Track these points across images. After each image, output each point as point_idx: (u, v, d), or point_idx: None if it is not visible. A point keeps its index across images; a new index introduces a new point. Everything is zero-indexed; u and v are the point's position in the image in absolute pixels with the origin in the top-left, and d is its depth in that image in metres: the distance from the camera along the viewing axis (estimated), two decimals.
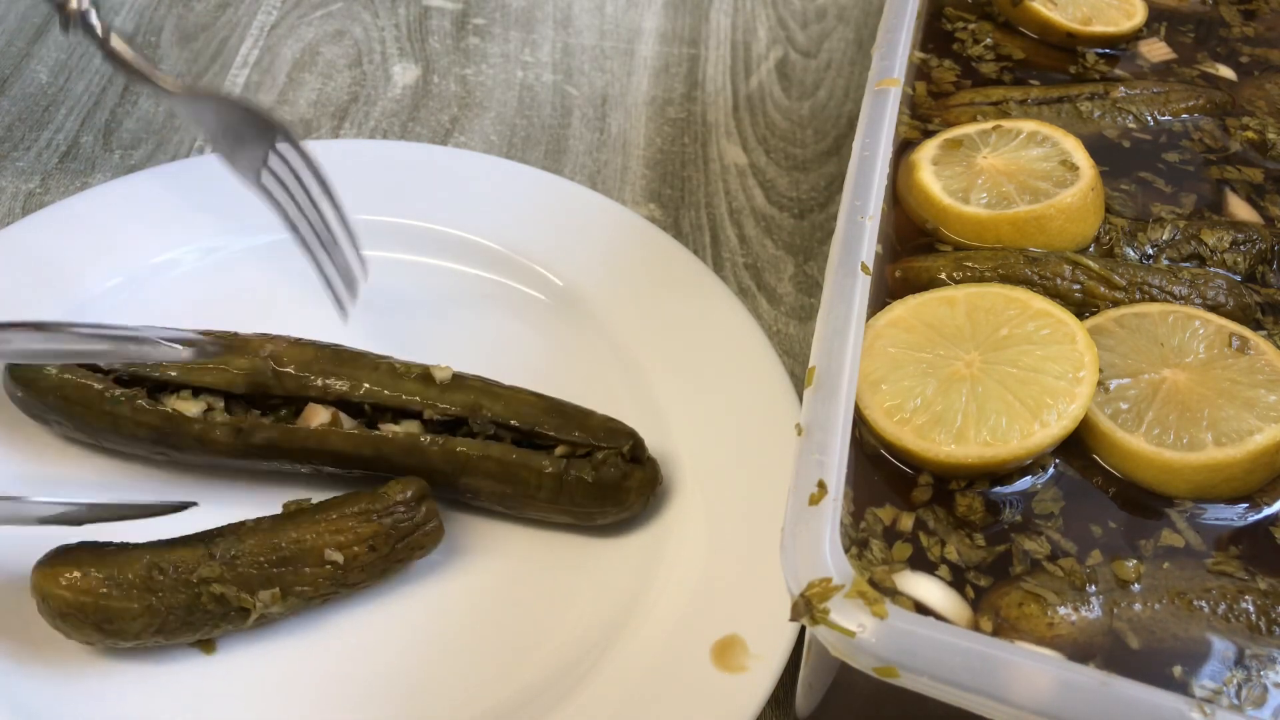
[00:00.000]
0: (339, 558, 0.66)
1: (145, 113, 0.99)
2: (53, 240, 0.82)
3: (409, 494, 0.68)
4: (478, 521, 0.74)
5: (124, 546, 0.66)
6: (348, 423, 0.72)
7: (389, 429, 0.72)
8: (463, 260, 0.86)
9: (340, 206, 0.77)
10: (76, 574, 0.63)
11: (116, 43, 0.78)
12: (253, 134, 0.76)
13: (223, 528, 0.67)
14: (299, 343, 0.74)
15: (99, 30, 0.78)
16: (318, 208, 0.77)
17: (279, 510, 0.69)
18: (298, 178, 0.77)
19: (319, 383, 0.72)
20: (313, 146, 0.91)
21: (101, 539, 0.66)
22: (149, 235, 0.84)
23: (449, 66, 1.06)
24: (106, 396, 0.71)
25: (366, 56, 1.06)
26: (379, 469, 0.72)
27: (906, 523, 0.55)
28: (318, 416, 0.71)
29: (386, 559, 0.68)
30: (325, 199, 0.77)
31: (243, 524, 0.67)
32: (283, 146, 0.76)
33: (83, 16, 0.78)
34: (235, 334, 0.75)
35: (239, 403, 0.73)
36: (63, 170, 0.94)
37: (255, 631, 0.68)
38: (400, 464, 0.71)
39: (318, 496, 0.72)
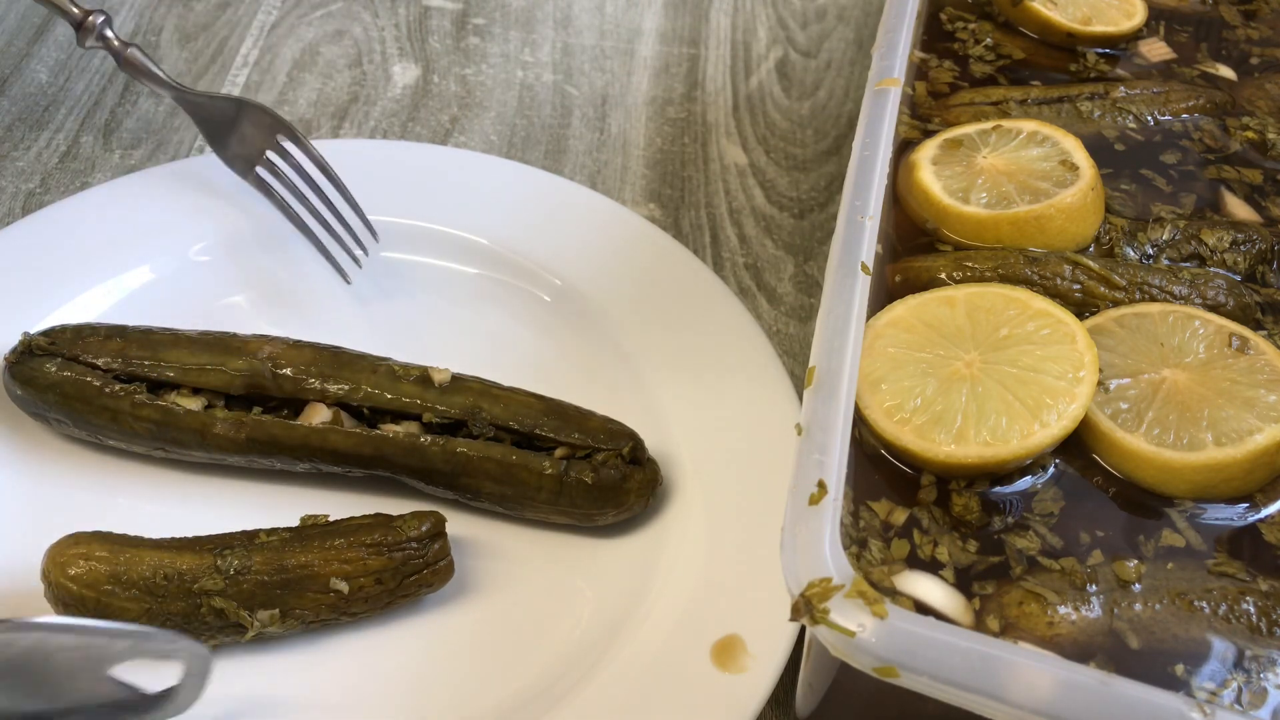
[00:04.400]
0: (344, 587, 0.66)
1: (145, 113, 0.99)
2: (53, 240, 0.82)
3: (424, 529, 0.67)
4: (478, 521, 0.74)
5: (137, 542, 0.66)
6: (348, 421, 0.72)
7: (389, 428, 0.72)
8: (463, 260, 0.86)
9: (344, 187, 0.83)
10: (84, 566, 0.63)
11: (134, 53, 0.86)
12: (256, 133, 0.84)
13: (237, 536, 0.67)
14: (298, 344, 0.74)
15: (115, 42, 0.86)
16: (320, 189, 0.83)
17: (284, 516, 0.69)
18: (300, 166, 0.83)
19: (317, 385, 0.72)
20: (312, 146, 0.92)
21: (118, 529, 0.66)
22: (148, 236, 0.84)
23: (449, 66, 1.06)
24: (105, 392, 0.71)
25: (366, 56, 1.06)
26: (379, 468, 0.72)
27: (900, 517, 0.55)
28: (319, 414, 0.71)
29: (392, 593, 0.67)
30: (328, 180, 0.83)
31: (256, 535, 0.67)
32: (286, 142, 0.84)
33: (99, 30, 0.86)
34: (234, 335, 0.75)
35: (237, 404, 0.73)
36: (63, 170, 0.94)
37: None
38: (400, 464, 0.71)
39: (325, 502, 0.72)
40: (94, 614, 0.63)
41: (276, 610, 0.65)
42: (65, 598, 0.63)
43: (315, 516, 0.69)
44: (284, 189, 0.84)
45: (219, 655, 0.66)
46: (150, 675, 0.59)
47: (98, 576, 0.63)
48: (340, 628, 0.69)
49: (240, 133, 0.85)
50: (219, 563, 0.65)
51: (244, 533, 0.67)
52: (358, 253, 0.83)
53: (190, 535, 0.67)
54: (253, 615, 0.65)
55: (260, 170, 0.84)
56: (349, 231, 0.83)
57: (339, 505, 0.73)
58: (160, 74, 0.86)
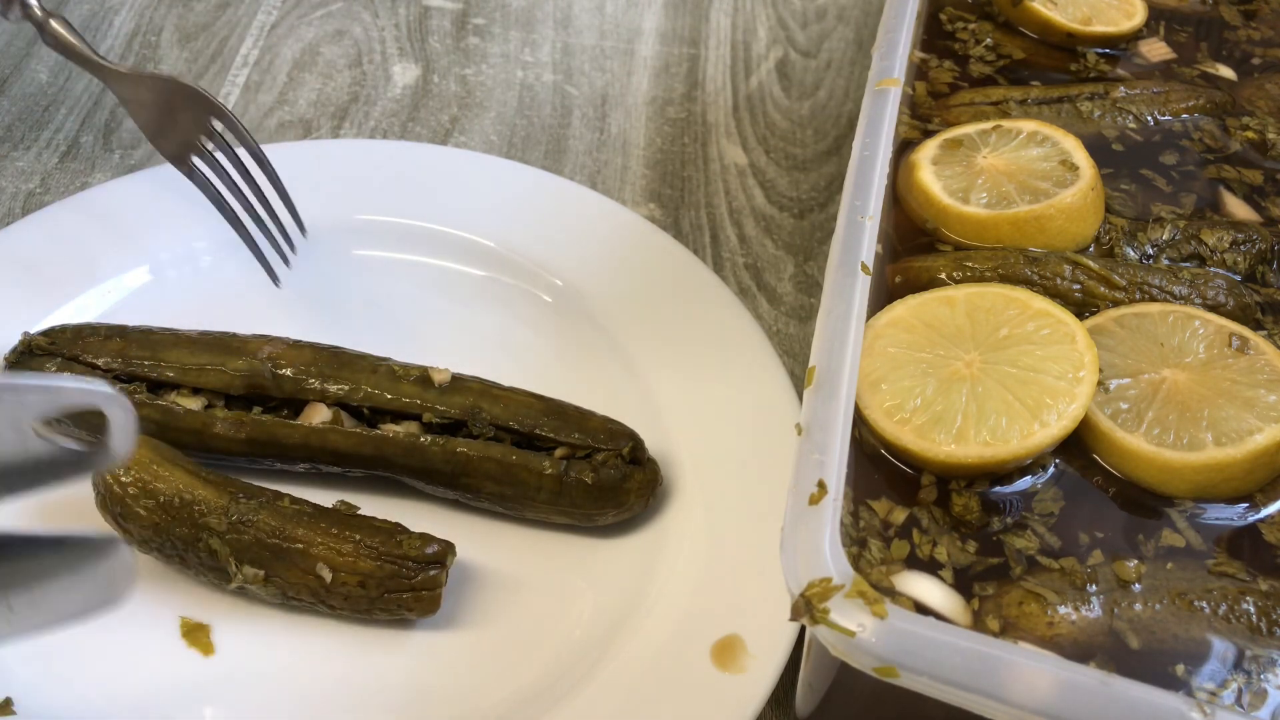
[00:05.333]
0: (327, 576, 0.65)
1: None
2: (53, 240, 0.82)
3: (426, 552, 0.66)
4: (478, 521, 0.74)
5: (177, 460, 0.68)
6: (349, 421, 0.72)
7: (389, 428, 0.72)
8: (463, 260, 0.86)
9: (274, 173, 0.81)
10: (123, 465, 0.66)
11: (56, 25, 0.82)
12: (188, 115, 0.80)
13: (266, 491, 0.68)
14: (298, 344, 0.74)
15: (37, 12, 0.82)
16: (252, 177, 0.80)
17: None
18: (233, 152, 0.80)
19: (317, 385, 0.72)
20: (312, 146, 0.92)
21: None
22: (149, 235, 0.84)
23: (449, 66, 1.06)
24: None
25: (366, 56, 1.06)
26: (379, 468, 0.72)
27: (900, 517, 0.55)
28: (319, 414, 0.71)
29: (372, 601, 0.66)
30: (259, 168, 0.80)
31: (282, 497, 0.68)
32: (218, 124, 0.79)
33: (21, 1, 0.82)
34: (234, 335, 0.75)
35: (237, 404, 0.73)
36: (63, 170, 0.94)
37: (254, 617, 0.68)
38: (400, 464, 0.71)
39: (324, 503, 0.72)
40: (114, 511, 0.66)
41: (261, 572, 0.66)
42: (97, 484, 0.67)
43: (349, 504, 0.70)
44: (220, 182, 0.80)
45: (222, 640, 0.68)
46: (78, 430, 0.62)
47: (128, 479, 0.66)
48: (341, 623, 0.69)
49: (174, 117, 0.80)
50: (230, 506, 0.66)
51: (273, 491, 0.68)
52: (287, 251, 0.82)
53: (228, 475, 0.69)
54: (239, 568, 0.66)
55: (195, 159, 0.80)
56: (281, 230, 0.82)
57: None
58: (84, 49, 0.81)
